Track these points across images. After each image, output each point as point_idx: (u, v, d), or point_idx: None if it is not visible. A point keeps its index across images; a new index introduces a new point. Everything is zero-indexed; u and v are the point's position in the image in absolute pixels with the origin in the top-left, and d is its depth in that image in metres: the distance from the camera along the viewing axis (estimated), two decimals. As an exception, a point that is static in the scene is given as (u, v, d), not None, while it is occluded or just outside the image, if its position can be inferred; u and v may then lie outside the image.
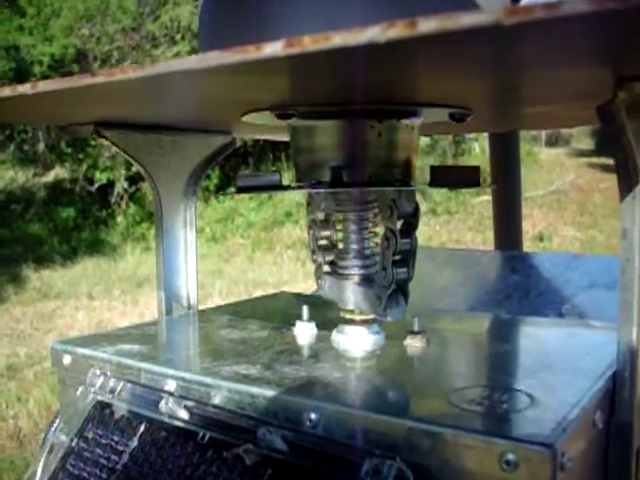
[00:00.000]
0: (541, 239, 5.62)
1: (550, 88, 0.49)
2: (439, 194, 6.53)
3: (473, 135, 6.60)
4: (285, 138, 0.77)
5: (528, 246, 5.06)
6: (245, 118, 0.61)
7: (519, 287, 0.92)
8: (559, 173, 7.70)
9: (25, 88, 0.42)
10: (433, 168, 0.60)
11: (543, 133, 9.04)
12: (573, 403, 0.45)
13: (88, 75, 0.38)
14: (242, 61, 0.30)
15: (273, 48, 0.29)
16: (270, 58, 0.29)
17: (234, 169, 6.86)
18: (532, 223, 5.81)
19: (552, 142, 9.65)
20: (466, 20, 0.24)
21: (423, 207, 6.28)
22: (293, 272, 4.98)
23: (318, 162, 0.59)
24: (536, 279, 0.92)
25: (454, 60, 0.37)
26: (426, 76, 0.43)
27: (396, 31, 0.25)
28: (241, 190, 0.57)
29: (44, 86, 0.41)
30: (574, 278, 0.89)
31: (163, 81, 0.39)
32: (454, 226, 6.05)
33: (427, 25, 0.25)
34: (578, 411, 0.44)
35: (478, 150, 6.95)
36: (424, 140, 6.13)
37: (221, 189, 6.70)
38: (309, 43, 0.28)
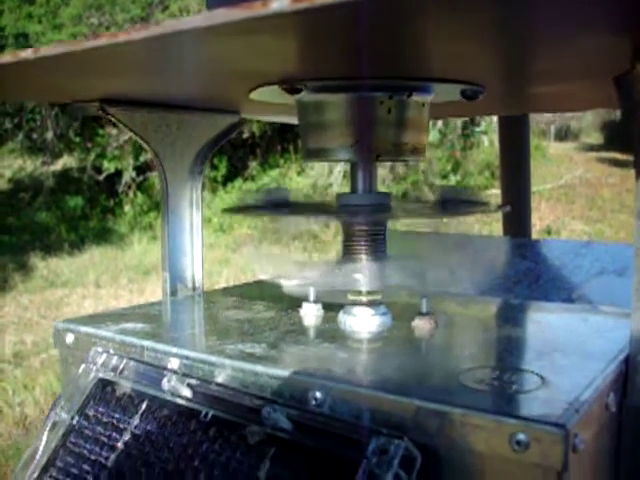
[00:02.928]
0: (549, 233, 5.60)
1: (565, 59, 0.47)
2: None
3: (482, 128, 6.58)
4: (292, 120, 0.76)
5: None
6: (253, 95, 0.60)
7: (529, 273, 0.90)
8: (568, 167, 7.67)
9: (27, 53, 0.41)
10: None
11: (552, 127, 9.00)
12: (585, 385, 0.44)
13: (91, 38, 0.37)
14: (249, 17, 0.29)
15: (280, 3, 0.28)
16: (277, 14, 0.28)
17: (242, 160, 6.85)
18: (540, 217, 5.78)
19: (561, 136, 9.61)
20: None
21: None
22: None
23: (326, 140, 0.58)
24: (546, 265, 0.91)
25: (466, 26, 0.36)
26: (438, 44, 0.42)
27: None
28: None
29: (46, 51, 0.40)
30: (584, 265, 0.88)
31: (168, 45, 0.37)
32: (463, 218, 6.03)
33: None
34: (591, 392, 0.43)
35: (487, 143, 6.91)
36: (433, 134, 6.10)
37: (228, 180, 6.69)
38: (318, -4, 0.26)
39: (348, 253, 0.62)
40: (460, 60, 0.47)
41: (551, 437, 0.38)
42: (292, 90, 0.54)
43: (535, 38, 0.41)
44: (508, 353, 0.54)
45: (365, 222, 0.61)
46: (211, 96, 0.69)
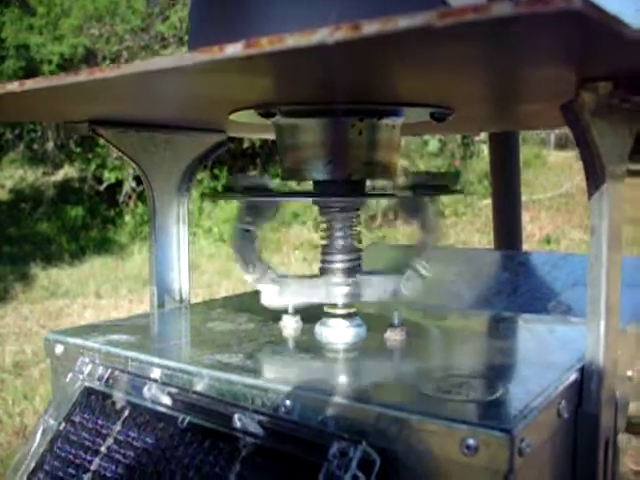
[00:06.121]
0: (548, 242, 5.61)
1: (520, 87, 0.50)
2: (447, 197, 6.52)
3: (482, 137, 6.60)
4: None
5: (535, 249, 5.04)
6: (232, 117, 0.63)
7: (508, 285, 0.93)
8: (568, 176, 7.67)
9: (13, 86, 0.44)
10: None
11: (552, 135, 9.02)
12: (537, 393, 0.47)
13: (72, 73, 0.40)
14: (206, 61, 0.32)
15: (234, 49, 0.31)
16: (232, 58, 0.31)
17: (242, 170, 6.88)
18: (540, 226, 5.79)
19: (561, 145, 9.62)
20: (402, 22, 0.26)
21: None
22: (300, 272, 4.98)
23: (301, 160, 0.61)
24: (525, 277, 0.94)
25: (432, 60, 0.39)
26: (396, 75, 0.45)
27: (342, 33, 0.27)
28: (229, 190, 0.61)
29: (31, 84, 0.43)
30: (561, 276, 0.90)
31: (142, 80, 0.41)
32: (462, 228, 6.03)
33: (370, 28, 0.27)
34: (541, 400, 0.46)
35: (486, 152, 6.92)
36: (432, 143, 6.13)
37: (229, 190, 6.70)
38: (266, 44, 0.29)
39: (324, 265, 0.65)
40: (428, 87, 0.50)
41: (498, 441, 0.41)
42: (266, 114, 0.57)
43: (497, 70, 0.44)
44: (473, 364, 0.57)
45: (339, 208, 0.63)
46: (195, 118, 0.72)
